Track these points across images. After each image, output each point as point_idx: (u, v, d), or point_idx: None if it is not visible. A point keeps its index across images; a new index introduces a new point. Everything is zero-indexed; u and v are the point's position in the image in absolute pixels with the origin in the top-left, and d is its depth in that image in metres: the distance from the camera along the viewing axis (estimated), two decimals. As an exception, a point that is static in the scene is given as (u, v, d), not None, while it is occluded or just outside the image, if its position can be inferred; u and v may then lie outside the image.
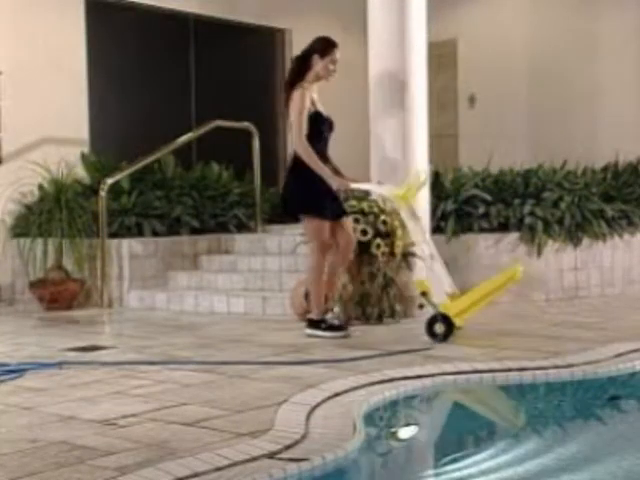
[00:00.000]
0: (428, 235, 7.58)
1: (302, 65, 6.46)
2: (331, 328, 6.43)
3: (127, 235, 8.76)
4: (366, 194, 7.32)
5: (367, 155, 7.74)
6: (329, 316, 6.52)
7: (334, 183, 6.32)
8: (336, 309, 6.77)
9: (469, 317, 6.34)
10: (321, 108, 6.56)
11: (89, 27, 9.92)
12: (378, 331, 6.70)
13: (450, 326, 6.14)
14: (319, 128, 6.46)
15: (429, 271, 6.40)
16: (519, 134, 12.07)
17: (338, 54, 6.48)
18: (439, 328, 6.14)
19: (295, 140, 6.39)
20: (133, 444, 3.72)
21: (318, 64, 6.43)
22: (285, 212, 6.96)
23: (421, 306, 6.36)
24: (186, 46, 11.09)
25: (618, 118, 11.28)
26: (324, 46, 6.46)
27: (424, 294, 6.22)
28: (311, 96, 6.46)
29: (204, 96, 11.11)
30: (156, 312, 8.23)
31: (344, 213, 6.60)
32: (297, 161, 6.41)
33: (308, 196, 6.39)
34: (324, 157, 6.48)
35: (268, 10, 11.50)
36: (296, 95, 6.38)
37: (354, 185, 6.59)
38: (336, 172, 6.52)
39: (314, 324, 6.48)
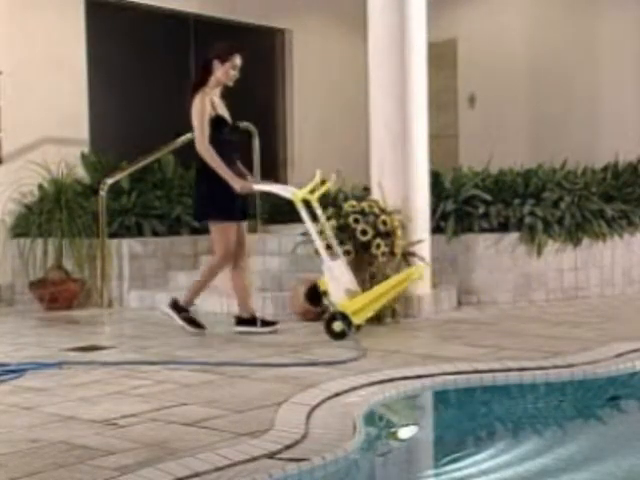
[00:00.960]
0: (428, 236, 7.60)
1: (204, 71, 6.69)
2: (261, 324, 6.75)
3: (127, 235, 8.76)
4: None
5: (367, 155, 7.75)
6: (192, 309, 6.89)
7: (236, 185, 6.49)
8: (194, 308, 6.99)
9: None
10: (223, 112, 6.73)
11: (89, 27, 9.91)
12: (378, 331, 6.69)
13: (349, 324, 6.27)
14: (220, 131, 6.61)
15: (328, 270, 6.52)
16: (519, 134, 12.06)
17: (239, 60, 6.71)
18: (337, 326, 6.29)
19: (197, 143, 6.54)
20: (133, 444, 3.72)
21: (219, 69, 6.63)
22: (195, 218, 7.39)
23: (321, 304, 6.59)
24: (186, 46, 11.08)
25: (618, 118, 11.28)
26: (224, 52, 6.69)
27: (324, 293, 6.48)
28: (212, 100, 6.63)
29: (204, 96, 11.10)
30: (156, 312, 8.21)
31: (246, 216, 6.89)
32: (203, 165, 6.58)
33: (216, 200, 6.59)
34: (231, 160, 6.65)
35: (268, 10, 11.49)
36: (197, 100, 6.57)
37: (257, 187, 6.80)
38: (241, 175, 6.70)
39: (243, 322, 6.76)
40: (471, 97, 12.55)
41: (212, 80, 6.63)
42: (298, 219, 7.38)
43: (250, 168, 9.85)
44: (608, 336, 6.19)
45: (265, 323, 6.79)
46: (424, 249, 7.49)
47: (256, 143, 9.89)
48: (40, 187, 9.06)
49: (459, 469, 3.65)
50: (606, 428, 4.56)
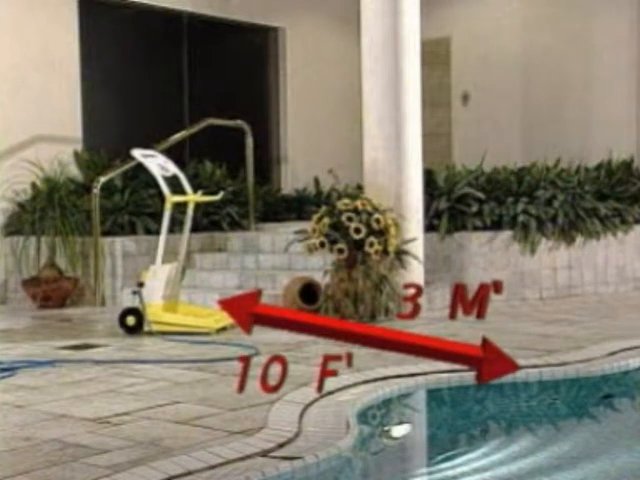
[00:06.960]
0: (421, 234, 7.60)
1: None
2: None
3: (120, 233, 8.74)
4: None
5: (360, 153, 7.74)
6: None
7: None
8: None
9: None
10: None
11: (82, 25, 9.88)
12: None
13: (140, 324, 6.63)
14: None
15: (152, 272, 6.80)
16: (512, 132, 12.07)
17: None
18: (130, 321, 6.65)
19: None
20: (126, 442, 3.71)
21: None
22: None
23: (135, 292, 6.78)
24: (179, 44, 11.06)
25: (612, 116, 11.29)
26: None
27: (140, 285, 6.72)
28: None
29: (197, 94, 11.09)
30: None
31: None
32: None
33: None
34: None
35: (262, 8, 11.48)
36: None
37: None
38: None
39: None
40: (464, 95, 12.55)
41: None
42: (291, 217, 7.41)
43: (242, 165, 9.88)
44: (601, 334, 6.20)
45: None
46: (417, 247, 7.49)
47: (249, 141, 9.87)
48: (33, 185, 9.03)
49: (452, 467, 3.65)
50: (599, 426, 4.57)
